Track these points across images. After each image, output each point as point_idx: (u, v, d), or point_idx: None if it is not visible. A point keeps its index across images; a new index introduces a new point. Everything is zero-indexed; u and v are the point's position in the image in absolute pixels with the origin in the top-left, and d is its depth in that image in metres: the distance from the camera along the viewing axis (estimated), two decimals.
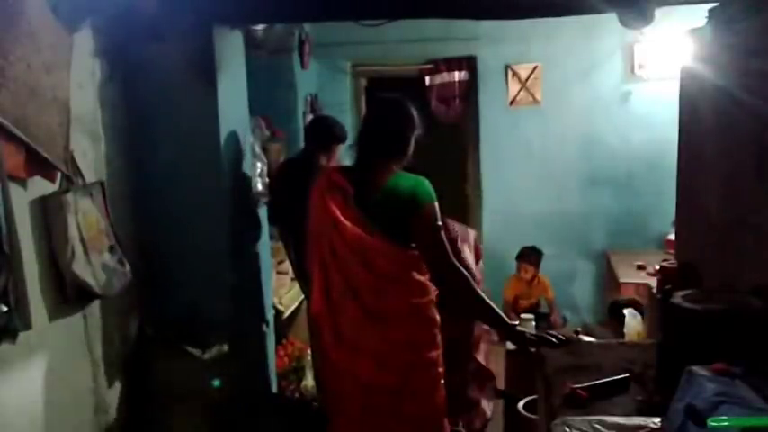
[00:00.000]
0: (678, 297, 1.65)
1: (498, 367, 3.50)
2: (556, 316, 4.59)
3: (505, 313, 2.57)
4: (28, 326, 1.76)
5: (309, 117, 4.40)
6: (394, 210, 2.20)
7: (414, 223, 2.20)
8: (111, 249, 2.18)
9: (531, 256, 4.57)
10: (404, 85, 4.60)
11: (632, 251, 4.57)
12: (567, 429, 1.46)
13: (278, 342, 3.38)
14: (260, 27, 3.29)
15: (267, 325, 3.09)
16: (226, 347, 2.45)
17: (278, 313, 3.35)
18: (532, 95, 4.90)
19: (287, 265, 3.55)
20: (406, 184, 2.23)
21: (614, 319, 3.41)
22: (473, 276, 2.58)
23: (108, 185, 2.25)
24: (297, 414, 3.09)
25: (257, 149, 3.27)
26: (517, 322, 2.41)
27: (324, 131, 3.24)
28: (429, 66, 4.99)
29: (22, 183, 1.85)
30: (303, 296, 3.36)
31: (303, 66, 4.38)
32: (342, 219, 2.20)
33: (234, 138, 2.68)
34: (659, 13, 2.19)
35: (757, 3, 1.82)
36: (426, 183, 2.24)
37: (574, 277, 4.91)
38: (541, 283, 4.68)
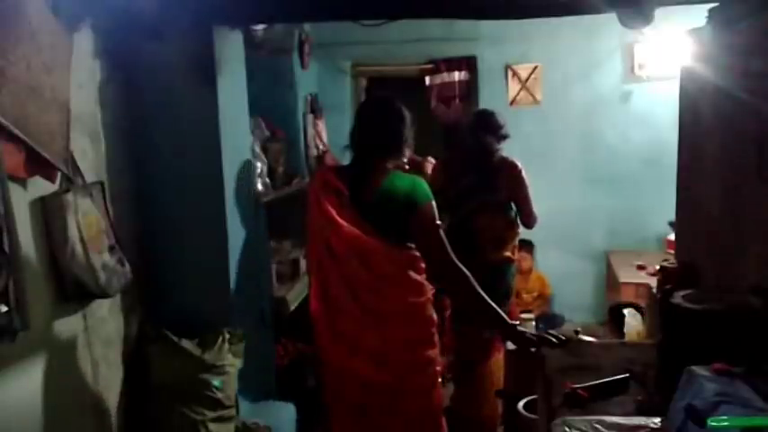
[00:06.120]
0: (678, 297, 1.65)
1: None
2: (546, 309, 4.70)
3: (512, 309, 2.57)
4: (28, 326, 1.75)
5: (310, 117, 4.39)
6: (391, 210, 2.20)
7: (413, 223, 2.20)
8: (111, 249, 2.18)
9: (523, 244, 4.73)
10: (404, 85, 4.63)
11: (632, 251, 4.57)
12: (567, 429, 1.46)
13: (278, 341, 3.38)
14: (260, 27, 3.28)
15: (267, 325, 3.09)
16: (226, 347, 2.45)
17: (278, 313, 3.34)
18: (532, 95, 4.90)
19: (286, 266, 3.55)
20: (402, 184, 2.23)
21: (614, 321, 3.41)
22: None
23: (108, 185, 2.25)
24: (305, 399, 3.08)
25: (257, 149, 3.26)
26: (518, 322, 2.42)
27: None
28: (429, 66, 4.98)
29: (22, 183, 1.85)
30: (302, 296, 3.36)
31: (303, 66, 4.37)
32: (338, 219, 2.20)
33: (234, 138, 2.68)
34: (659, 13, 2.18)
35: (757, 3, 1.82)
36: (422, 182, 2.24)
37: (574, 277, 4.90)
38: (540, 278, 4.82)
